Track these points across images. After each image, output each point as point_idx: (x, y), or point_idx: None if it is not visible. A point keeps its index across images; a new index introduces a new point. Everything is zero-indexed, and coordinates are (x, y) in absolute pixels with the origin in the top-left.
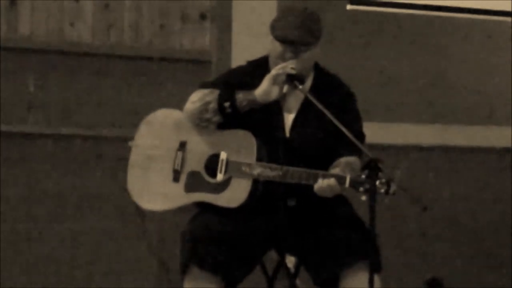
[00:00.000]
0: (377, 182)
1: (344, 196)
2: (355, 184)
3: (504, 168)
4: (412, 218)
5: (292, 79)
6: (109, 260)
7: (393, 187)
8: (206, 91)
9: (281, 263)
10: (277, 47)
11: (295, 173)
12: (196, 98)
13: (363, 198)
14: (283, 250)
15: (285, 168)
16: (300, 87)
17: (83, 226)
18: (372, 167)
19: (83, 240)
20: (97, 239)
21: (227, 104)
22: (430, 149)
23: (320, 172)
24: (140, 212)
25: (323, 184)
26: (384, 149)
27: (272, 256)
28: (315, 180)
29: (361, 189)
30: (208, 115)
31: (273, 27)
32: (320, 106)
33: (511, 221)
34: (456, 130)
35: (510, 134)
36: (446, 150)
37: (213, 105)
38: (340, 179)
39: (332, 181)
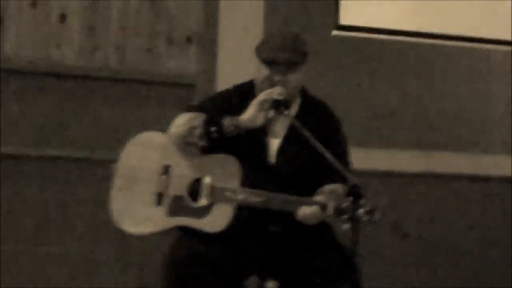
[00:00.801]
0: (361, 211)
1: (327, 222)
2: (338, 212)
3: (487, 196)
4: (393, 244)
5: (279, 105)
6: (91, 283)
7: (376, 216)
8: (192, 115)
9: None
10: (264, 70)
11: (279, 200)
12: (182, 122)
13: (346, 226)
14: (265, 275)
15: (268, 194)
16: (286, 112)
17: (66, 247)
18: (355, 193)
19: (66, 261)
20: (80, 261)
21: (213, 129)
22: (414, 176)
23: (304, 199)
24: (122, 235)
25: (306, 211)
26: (368, 175)
27: (253, 280)
28: (298, 207)
29: (344, 217)
30: (193, 140)
31: (259, 51)
32: (305, 133)
33: (491, 247)
34: (440, 157)
35: (493, 162)
36: (429, 177)
37: (199, 130)
38: (324, 207)
39: (315, 208)
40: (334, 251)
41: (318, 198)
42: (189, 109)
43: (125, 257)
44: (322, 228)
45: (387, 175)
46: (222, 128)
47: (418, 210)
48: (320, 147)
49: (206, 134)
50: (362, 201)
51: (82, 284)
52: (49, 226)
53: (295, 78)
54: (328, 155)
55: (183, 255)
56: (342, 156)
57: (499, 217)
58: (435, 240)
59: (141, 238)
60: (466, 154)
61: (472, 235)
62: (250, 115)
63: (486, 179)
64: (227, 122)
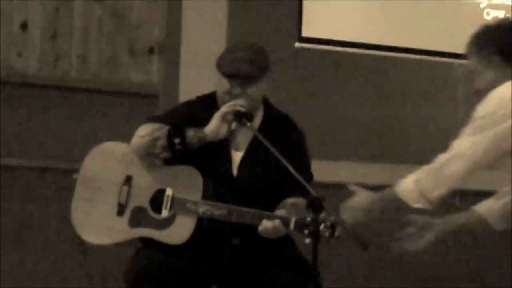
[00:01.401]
0: (322, 226)
1: (289, 235)
2: (299, 226)
3: (449, 209)
4: (355, 258)
5: (241, 117)
6: None
7: (338, 231)
8: (155, 126)
9: None
10: (225, 83)
11: (240, 213)
12: (144, 133)
13: (307, 240)
14: (224, 287)
15: (230, 207)
16: (249, 124)
17: (23, 258)
18: (315, 206)
19: (23, 272)
20: (38, 272)
21: (177, 140)
22: (376, 188)
23: (265, 213)
24: (82, 245)
25: (267, 225)
26: (329, 187)
27: None
28: (260, 221)
29: (306, 231)
30: (156, 151)
31: (220, 64)
32: (268, 145)
33: (454, 262)
34: (403, 169)
35: None
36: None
37: (162, 141)
38: (285, 221)
39: (276, 222)
40: (296, 265)
41: (280, 212)
42: (152, 119)
43: (87, 268)
44: (284, 242)
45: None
46: (185, 140)
47: (380, 221)
48: (282, 160)
49: (170, 145)
50: (323, 216)
51: None
52: (6, 237)
53: (255, 91)
54: (290, 168)
55: (143, 266)
56: (305, 168)
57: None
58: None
59: (103, 249)
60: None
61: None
62: (213, 127)
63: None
64: (191, 134)
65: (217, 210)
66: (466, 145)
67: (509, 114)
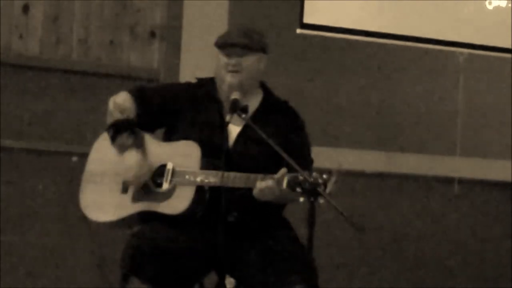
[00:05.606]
0: (315, 181)
1: (286, 219)
2: (292, 184)
3: (447, 196)
4: (353, 244)
5: (236, 108)
6: (50, 275)
7: (329, 188)
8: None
9: (220, 284)
10: (222, 58)
11: (236, 178)
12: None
13: (301, 199)
14: (223, 271)
15: (225, 173)
16: (244, 116)
17: (23, 240)
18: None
19: (24, 253)
20: (38, 253)
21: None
22: (373, 175)
23: (260, 175)
24: (89, 225)
25: (261, 185)
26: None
27: (211, 276)
28: (254, 184)
29: (298, 189)
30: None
31: (217, 42)
32: (260, 133)
33: (451, 248)
34: (400, 158)
35: (453, 163)
36: (389, 177)
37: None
38: (278, 180)
39: (270, 182)
40: (292, 247)
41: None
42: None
43: (89, 250)
44: (280, 225)
45: (348, 175)
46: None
47: (377, 208)
48: (274, 146)
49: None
50: (315, 174)
51: (41, 277)
52: (8, 218)
53: (249, 63)
54: (282, 152)
55: (143, 242)
56: (305, 153)
57: (458, 217)
58: (393, 238)
59: (105, 233)
60: (426, 155)
61: (429, 234)
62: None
63: (448, 181)
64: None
65: (213, 178)
66: None
67: None
